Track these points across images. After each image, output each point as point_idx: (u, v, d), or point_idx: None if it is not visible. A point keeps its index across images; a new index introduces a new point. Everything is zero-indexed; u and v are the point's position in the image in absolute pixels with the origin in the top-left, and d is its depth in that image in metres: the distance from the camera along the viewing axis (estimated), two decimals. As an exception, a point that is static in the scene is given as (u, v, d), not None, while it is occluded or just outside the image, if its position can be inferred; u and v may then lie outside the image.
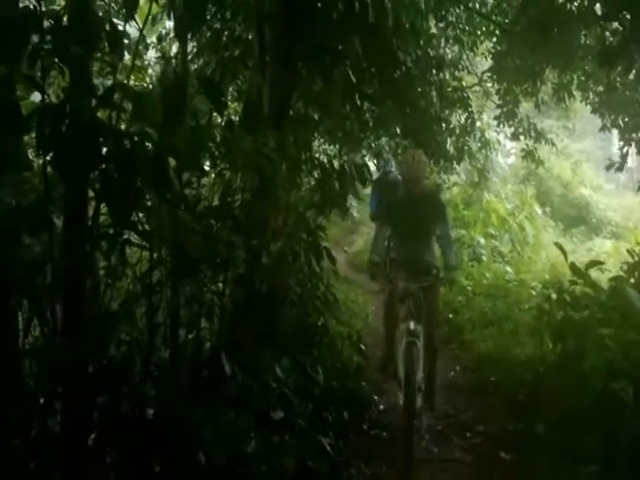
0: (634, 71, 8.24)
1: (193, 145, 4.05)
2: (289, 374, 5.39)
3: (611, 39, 9.03)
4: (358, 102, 9.27)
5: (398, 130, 12.61)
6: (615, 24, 8.22)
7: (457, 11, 12.72)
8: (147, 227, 3.97)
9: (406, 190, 7.00)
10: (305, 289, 6.21)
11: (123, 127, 3.84)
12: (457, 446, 6.35)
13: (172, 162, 4.01)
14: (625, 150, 11.20)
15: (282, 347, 5.56)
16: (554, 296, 7.10)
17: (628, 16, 6.56)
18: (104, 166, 3.60)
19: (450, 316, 11.20)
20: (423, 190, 7.03)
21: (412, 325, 6.27)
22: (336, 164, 6.19)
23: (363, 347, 7.94)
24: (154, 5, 4.71)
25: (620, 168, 11.11)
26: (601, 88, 11.51)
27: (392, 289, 6.96)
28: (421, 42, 10.78)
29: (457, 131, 14.19)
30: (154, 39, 10.39)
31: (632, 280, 7.35)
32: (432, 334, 6.86)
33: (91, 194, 3.72)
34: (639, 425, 4.97)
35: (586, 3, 8.92)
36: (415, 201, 6.85)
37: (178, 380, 4.18)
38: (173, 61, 4.73)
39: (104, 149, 3.59)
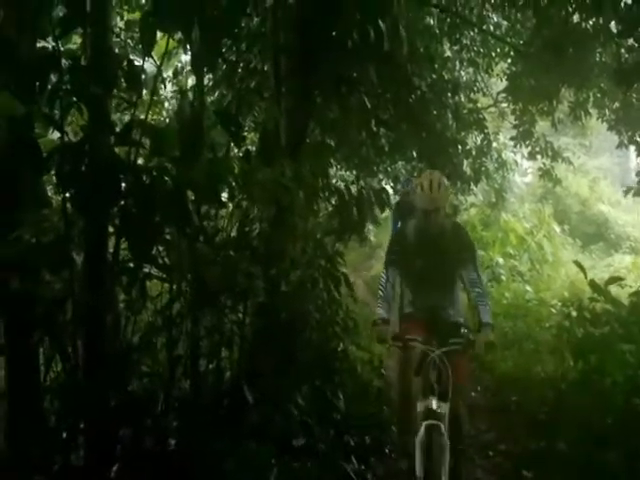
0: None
1: (211, 178, 4.11)
2: (310, 401, 5.41)
3: (627, 56, 9.06)
4: (374, 128, 9.35)
5: (414, 154, 12.64)
6: (631, 41, 8.25)
7: (471, 34, 12.80)
8: (167, 260, 4.02)
9: (422, 223, 5.37)
10: (324, 315, 6.23)
11: (142, 162, 3.91)
12: (479, 466, 6.33)
13: (191, 195, 4.08)
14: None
15: (303, 374, 5.59)
16: (574, 313, 7.10)
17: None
18: (123, 202, 3.66)
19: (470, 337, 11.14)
20: (444, 223, 5.40)
21: (434, 404, 4.78)
22: (354, 190, 6.23)
23: (384, 371, 7.94)
24: (170, 40, 4.79)
25: (639, 193, 11.10)
26: (617, 105, 11.51)
27: (405, 356, 5.30)
28: (436, 66, 10.87)
29: (474, 152, 14.19)
30: (170, 73, 10.53)
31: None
32: (460, 416, 5.18)
33: (111, 229, 3.78)
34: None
35: (601, 21, 8.96)
36: (434, 237, 5.34)
37: (199, 411, 4.21)
38: (190, 94, 4.77)
39: (123, 185, 3.65)
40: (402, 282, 5.81)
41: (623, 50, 9.27)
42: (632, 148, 11.97)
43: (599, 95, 11.84)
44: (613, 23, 8.54)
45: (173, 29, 4.03)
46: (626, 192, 11.71)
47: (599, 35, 9.20)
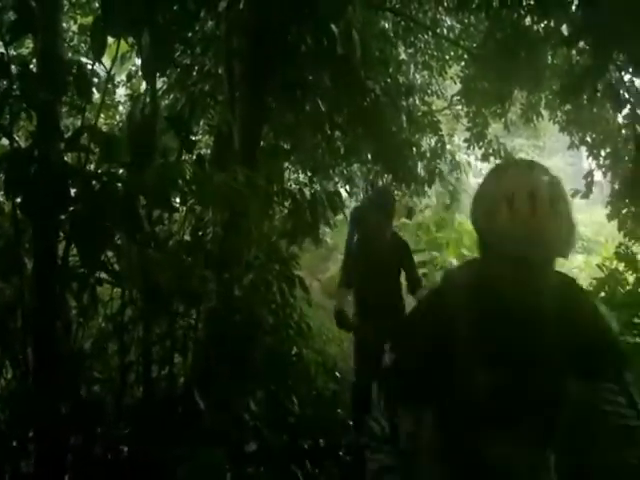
0: (600, 89, 8.39)
1: (162, 183, 4.09)
2: (263, 405, 5.41)
3: (578, 58, 9.17)
4: (329, 131, 9.36)
5: (369, 156, 12.68)
6: (582, 43, 8.37)
7: (425, 37, 12.88)
8: (117, 266, 4.01)
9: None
10: (278, 319, 6.22)
11: (92, 168, 3.89)
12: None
13: (142, 200, 4.07)
14: (591, 171, 11.35)
15: (256, 379, 5.58)
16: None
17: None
18: (73, 208, 3.63)
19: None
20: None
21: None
22: (307, 193, 6.24)
23: (338, 374, 7.98)
24: (123, 44, 4.78)
25: (586, 195, 11.24)
26: (568, 107, 11.65)
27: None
28: (390, 69, 10.90)
29: (428, 154, 14.27)
30: (124, 77, 10.47)
31: (602, 294, 7.42)
32: None
33: (61, 235, 3.76)
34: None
35: (552, 24, 9.06)
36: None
37: (151, 418, 4.19)
38: (143, 98, 4.75)
39: (73, 191, 3.63)
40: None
41: (574, 52, 9.38)
42: (583, 149, 12.10)
43: (551, 97, 11.96)
44: (565, 26, 8.64)
45: (123, 34, 4.01)
46: (574, 194, 11.87)
47: (550, 38, 9.30)
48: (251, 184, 5.00)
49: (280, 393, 5.91)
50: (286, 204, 6.11)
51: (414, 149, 12.96)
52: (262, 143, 7.19)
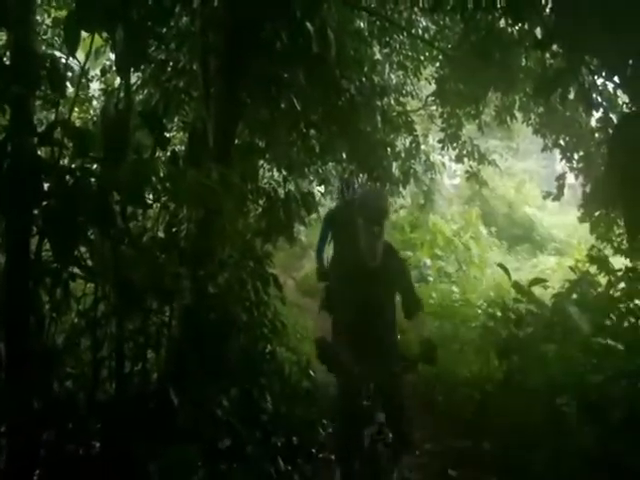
0: (574, 93, 8.44)
1: (136, 179, 4.07)
2: (237, 403, 5.41)
3: (551, 61, 9.23)
4: (304, 129, 9.37)
5: (344, 155, 12.70)
6: (555, 47, 8.42)
7: (401, 37, 12.91)
8: (90, 262, 3.99)
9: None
10: (252, 317, 6.23)
11: (65, 163, 3.87)
12: (405, 466, 6.39)
13: (115, 196, 4.05)
14: (564, 174, 11.44)
15: (230, 376, 5.58)
16: (499, 314, 7.21)
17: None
18: (46, 203, 3.61)
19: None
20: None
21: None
22: (281, 192, 6.26)
23: (312, 372, 7.98)
24: (98, 38, 4.75)
25: (557, 198, 11.34)
26: (542, 109, 11.72)
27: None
28: (365, 69, 10.92)
29: (402, 155, 14.33)
30: (98, 71, 10.41)
31: (574, 296, 7.47)
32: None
33: (35, 230, 3.73)
34: (583, 439, 5.07)
35: (526, 27, 9.11)
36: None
37: (124, 414, 4.17)
38: (117, 93, 4.74)
39: (46, 186, 3.61)
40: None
41: (548, 55, 9.43)
42: (557, 151, 12.19)
43: (524, 99, 12.02)
44: (538, 29, 8.68)
45: (97, 29, 3.99)
46: (545, 197, 11.97)
47: (524, 41, 9.35)
48: (225, 182, 4.99)
49: (254, 391, 5.92)
50: (260, 202, 6.11)
51: (389, 149, 13.01)
52: (237, 140, 7.19)
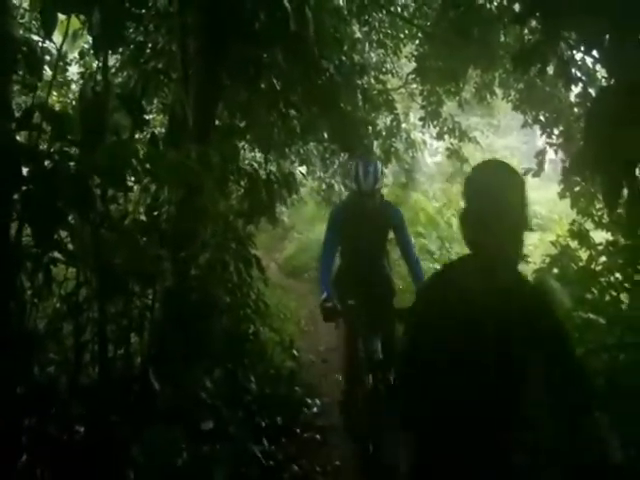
0: (553, 68, 8.44)
1: (115, 162, 4.05)
2: (220, 384, 5.43)
3: (530, 37, 9.22)
4: (284, 110, 9.33)
5: (325, 135, 12.68)
6: (534, 22, 8.42)
7: (380, 15, 12.87)
8: (71, 246, 3.97)
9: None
10: (235, 298, 6.24)
11: (44, 147, 3.85)
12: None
13: (95, 179, 4.03)
14: (543, 150, 11.45)
15: (213, 357, 5.59)
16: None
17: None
18: (25, 187, 3.59)
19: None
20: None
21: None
22: (263, 173, 6.25)
23: (295, 352, 8.02)
24: (76, 21, 4.71)
25: (537, 174, 11.35)
26: (521, 85, 11.72)
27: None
28: (345, 47, 10.88)
29: (383, 133, 14.34)
30: (77, 54, 10.33)
31: (555, 270, 7.50)
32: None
33: (14, 215, 3.72)
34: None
35: (505, 2, 9.09)
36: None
37: (107, 397, 4.17)
38: (95, 76, 4.71)
39: (25, 170, 3.59)
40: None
41: (527, 31, 9.43)
42: (537, 127, 12.19)
43: (504, 76, 12.03)
44: (517, 5, 8.66)
45: (73, 11, 3.95)
46: (525, 173, 11.98)
47: (503, 16, 9.34)
48: (206, 162, 4.98)
49: (237, 371, 5.94)
50: (242, 183, 6.10)
51: (370, 128, 12.99)
52: (217, 121, 7.15)
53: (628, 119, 3.07)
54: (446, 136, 14.38)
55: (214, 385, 5.25)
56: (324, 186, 18.92)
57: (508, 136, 33.62)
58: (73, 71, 11.18)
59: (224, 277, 5.91)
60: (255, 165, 10.05)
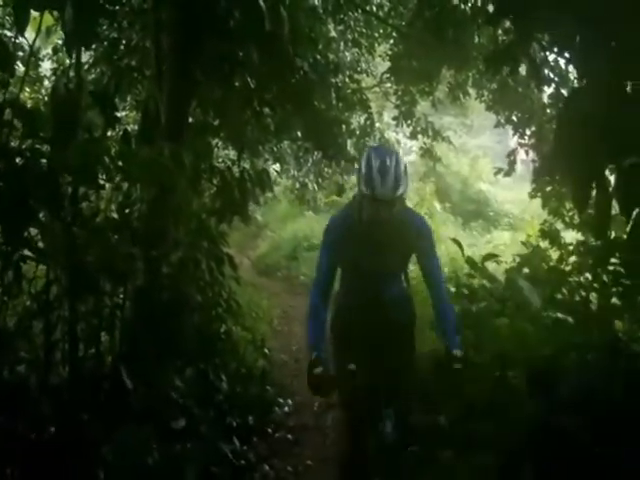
0: (525, 69, 8.48)
1: (87, 159, 4.03)
2: (191, 383, 5.41)
3: (504, 38, 9.26)
4: (257, 108, 9.31)
5: (299, 133, 12.67)
6: (507, 23, 8.47)
7: (355, 14, 12.86)
8: (41, 244, 3.95)
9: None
10: (207, 297, 6.21)
11: (16, 144, 3.82)
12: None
13: (66, 177, 4.01)
14: (514, 150, 11.53)
15: (185, 356, 5.57)
16: (453, 289, 7.25)
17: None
18: (-5, 185, 3.57)
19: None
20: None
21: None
22: (236, 171, 6.23)
23: (267, 351, 8.01)
24: (49, 17, 4.68)
25: (509, 173, 11.43)
26: (495, 86, 11.78)
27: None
28: (319, 46, 10.87)
29: (357, 132, 14.35)
30: (50, 50, 10.25)
31: (526, 270, 7.54)
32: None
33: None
34: (531, 411, 5.15)
35: (479, 3, 9.13)
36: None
37: (78, 397, 4.15)
38: (67, 73, 4.69)
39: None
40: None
41: (500, 32, 9.47)
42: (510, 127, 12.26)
43: (477, 76, 12.08)
44: (491, 6, 8.70)
45: (46, 7, 3.92)
46: (497, 173, 12.04)
47: (477, 17, 9.38)
48: (178, 160, 4.96)
49: (209, 371, 5.92)
50: (214, 181, 6.08)
51: (343, 126, 12.99)
52: (190, 119, 7.12)
53: (598, 121, 3.09)
54: (419, 135, 14.42)
55: (185, 384, 5.23)
56: (298, 185, 18.89)
57: (481, 136, 33.70)
58: (46, 67, 11.10)
59: (196, 275, 5.88)
60: (228, 163, 10.01)
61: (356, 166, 5.05)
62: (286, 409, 7.29)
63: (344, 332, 4.54)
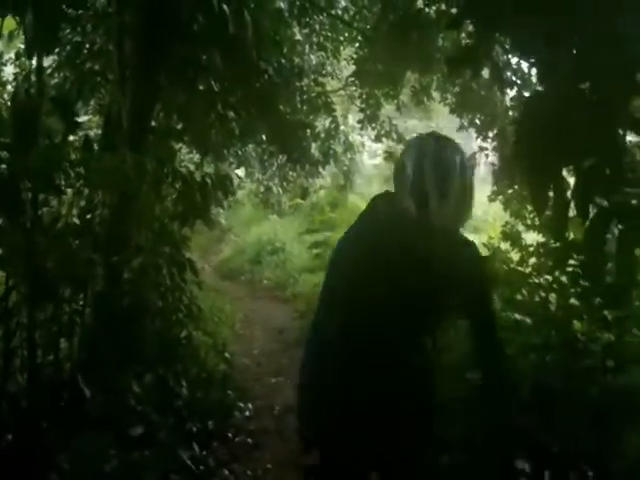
0: (488, 72, 8.56)
1: (47, 165, 4.02)
2: (150, 389, 5.39)
3: (468, 41, 9.34)
4: (222, 112, 9.30)
5: (264, 137, 12.68)
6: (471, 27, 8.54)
7: (320, 18, 12.90)
8: (0, 250, 3.93)
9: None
10: (168, 302, 6.19)
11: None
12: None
13: (27, 183, 3.99)
14: (475, 153, 11.62)
15: (145, 363, 5.55)
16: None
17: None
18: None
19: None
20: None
21: None
22: (198, 175, 6.22)
23: (228, 355, 8.00)
24: (12, 21, 4.65)
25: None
26: (458, 89, 11.87)
27: None
28: (285, 50, 10.89)
29: (322, 135, 14.39)
30: (13, 55, 10.17)
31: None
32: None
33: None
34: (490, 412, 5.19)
35: (443, 7, 9.20)
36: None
37: (36, 403, 4.13)
38: (29, 78, 4.67)
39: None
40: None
41: (464, 35, 9.54)
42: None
43: (441, 79, 12.16)
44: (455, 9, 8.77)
45: (6, 13, 3.91)
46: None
47: (441, 21, 9.44)
48: (140, 166, 4.95)
49: (168, 376, 5.90)
50: (177, 186, 6.07)
51: (308, 130, 13.02)
52: (153, 123, 7.10)
53: (556, 123, 3.14)
54: (384, 138, 14.49)
55: (145, 390, 5.21)
56: (262, 188, 18.89)
57: (446, 139, 33.92)
58: (9, 72, 10.98)
59: (157, 281, 5.87)
60: (191, 167, 9.99)
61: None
62: (247, 413, 7.28)
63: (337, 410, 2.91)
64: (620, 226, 3.98)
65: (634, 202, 4.06)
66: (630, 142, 4.06)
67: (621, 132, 3.37)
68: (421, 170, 2.74)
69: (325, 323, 2.94)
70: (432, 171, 2.72)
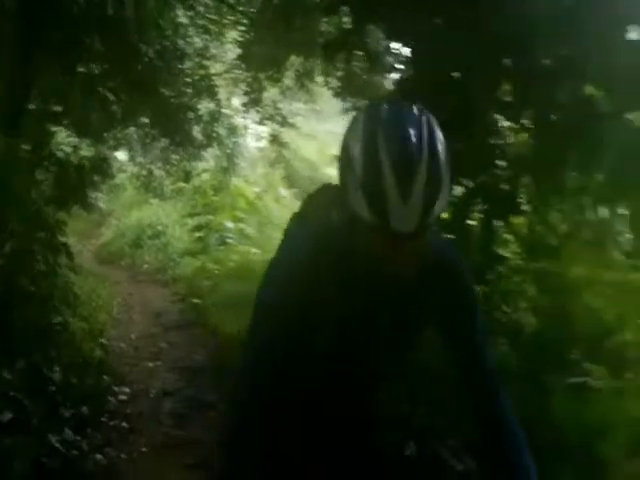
0: (371, 57, 8.72)
1: None
2: (22, 376, 5.34)
3: (350, 26, 9.50)
4: (102, 94, 9.20)
5: (147, 120, 12.58)
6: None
7: (205, 0, 12.87)
8: None
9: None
10: (41, 288, 6.12)
11: None
12: (200, 426, 6.47)
13: None
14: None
15: (16, 349, 5.49)
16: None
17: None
18: None
19: (195, 301, 11.36)
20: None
21: None
22: (75, 159, 6.18)
23: (105, 341, 7.95)
24: None
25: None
26: (341, 73, 12.02)
27: None
28: (168, 32, 10.82)
29: (205, 118, 14.35)
30: None
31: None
32: None
33: None
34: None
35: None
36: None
37: None
38: None
39: None
40: None
41: (345, 19, 9.67)
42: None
43: (325, 64, 12.29)
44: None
45: None
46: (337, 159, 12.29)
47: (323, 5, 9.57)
48: (13, 150, 4.91)
49: (41, 363, 5.85)
50: (52, 170, 6.02)
51: (191, 113, 12.99)
52: (30, 106, 6.99)
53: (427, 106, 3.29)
54: (268, 122, 14.59)
55: (16, 376, 5.16)
56: (144, 172, 18.64)
57: (328, 122, 34.14)
58: None
59: (30, 266, 5.80)
60: (68, 150, 9.84)
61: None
62: (123, 397, 7.26)
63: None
64: (484, 205, 4.22)
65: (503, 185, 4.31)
66: (501, 126, 4.28)
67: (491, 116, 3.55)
68: (375, 153, 1.62)
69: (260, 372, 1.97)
70: (397, 154, 1.60)
